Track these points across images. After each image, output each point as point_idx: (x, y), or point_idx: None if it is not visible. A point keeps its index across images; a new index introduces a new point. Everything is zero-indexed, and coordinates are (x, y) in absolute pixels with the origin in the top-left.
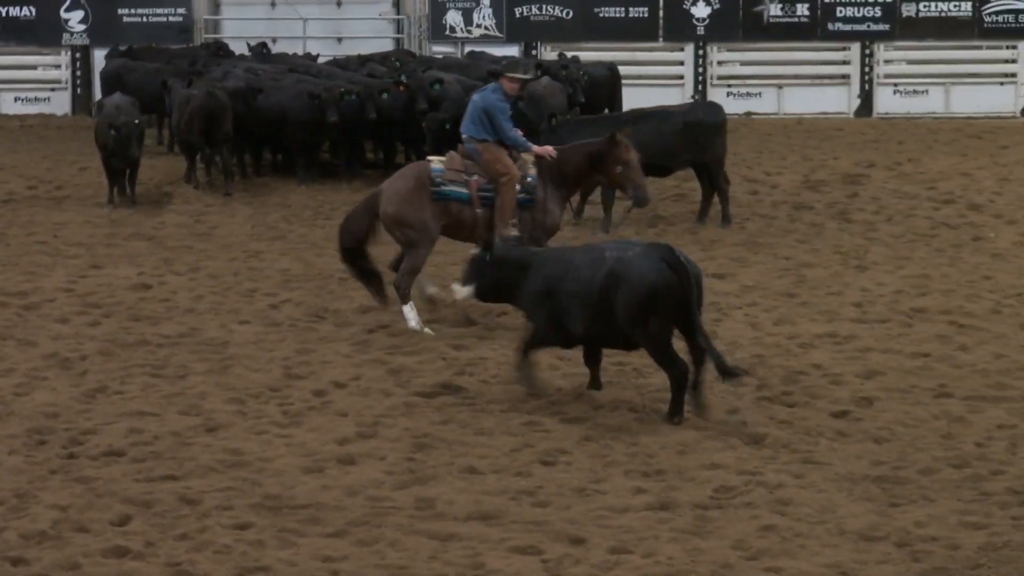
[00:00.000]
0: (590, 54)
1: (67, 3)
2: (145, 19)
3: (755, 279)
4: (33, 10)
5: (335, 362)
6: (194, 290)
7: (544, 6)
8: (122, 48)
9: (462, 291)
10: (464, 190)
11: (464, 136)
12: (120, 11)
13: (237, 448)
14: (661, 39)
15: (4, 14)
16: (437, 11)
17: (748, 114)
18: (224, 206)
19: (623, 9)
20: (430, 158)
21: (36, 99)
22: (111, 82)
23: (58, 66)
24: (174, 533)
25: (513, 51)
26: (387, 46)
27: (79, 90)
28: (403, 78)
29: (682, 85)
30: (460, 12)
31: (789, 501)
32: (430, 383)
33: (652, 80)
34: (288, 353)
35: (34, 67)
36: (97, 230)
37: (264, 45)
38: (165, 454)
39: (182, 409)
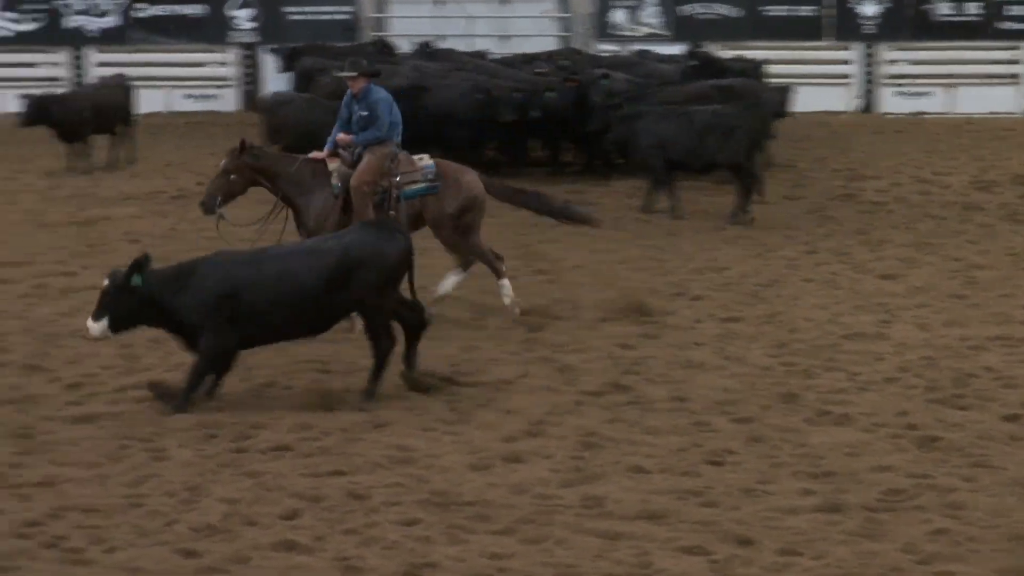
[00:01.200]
0: (756, 53)
1: (235, 1)
2: (312, 17)
3: (925, 280)
4: (202, 8)
5: (502, 360)
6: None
7: (711, 4)
8: (290, 46)
9: (95, 328)
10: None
11: None
12: (287, 9)
13: (405, 444)
14: (830, 38)
15: (173, 12)
16: (603, 9)
17: (918, 114)
18: None
19: (790, 7)
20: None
21: (204, 96)
22: (303, 79)
23: (225, 63)
24: (342, 528)
25: (679, 50)
26: (553, 45)
27: (247, 87)
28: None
29: (848, 85)
30: (626, 10)
31: (961, 505)
32: (597, 382)
33: (818, 80)
34: (454, 351)
35: (202, 64)
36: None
37: (428, 44)
38: (333, 449)
39: (350, 406)
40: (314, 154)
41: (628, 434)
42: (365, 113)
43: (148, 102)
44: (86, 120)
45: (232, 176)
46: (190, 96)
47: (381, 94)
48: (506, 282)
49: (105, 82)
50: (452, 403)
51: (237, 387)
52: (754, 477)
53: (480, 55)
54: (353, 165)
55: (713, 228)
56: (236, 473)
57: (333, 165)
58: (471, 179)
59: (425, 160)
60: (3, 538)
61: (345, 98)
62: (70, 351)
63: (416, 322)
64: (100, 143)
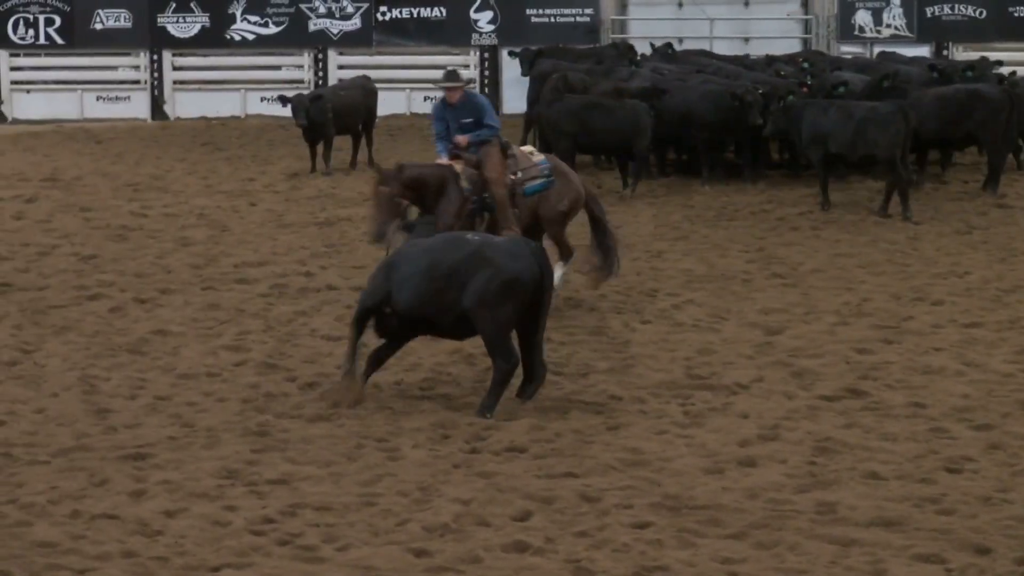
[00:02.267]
0: (1004, 55)
1: (477, 4)
2: (553, 19)
3: None
4: (444, 11)
5: (737, 363)
6: (597, 289)
7: (957, 5)
8: (532, 48)
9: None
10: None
11: None
12: (528, 11)
13: (637, 447)
14: None
15: (416, 15)
16: (846, 11)
17: None
18: (628, 206)
19: None
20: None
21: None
22: (540, 82)
23: (467, 66)
24: (574, 530)
25: (924, 51)
26: (795, 46)
27: (487, 90)
28: (808, 79)
29: None
30: (870, 12)
31: None
32: (833, 386)
33: None
34: (690, 353)
35: (444, 67)
36: None
37: (669, 45)
38: (566, 451)
39: (583, 407)
40: (441, 160)
41: (864, 440)
42: (470, 120)
43: (390, 104)
44: (330, 121)
45: (395, 198)
46: (430, 98)
47: (481, 98)
48: (561, 266)
49: (348, 83)
50: (686, 406)
51: (469, 388)
52: (993, 485)
53: (735, 58)
54: (476, 165)
55: (955, 232)
56: (469, 474)
57: (459, 167)
58: (577, 176)
59: (538, 155)
60: (238, 534)
61: (437, 110)
62: (308, 350)
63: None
64: (341, 144)
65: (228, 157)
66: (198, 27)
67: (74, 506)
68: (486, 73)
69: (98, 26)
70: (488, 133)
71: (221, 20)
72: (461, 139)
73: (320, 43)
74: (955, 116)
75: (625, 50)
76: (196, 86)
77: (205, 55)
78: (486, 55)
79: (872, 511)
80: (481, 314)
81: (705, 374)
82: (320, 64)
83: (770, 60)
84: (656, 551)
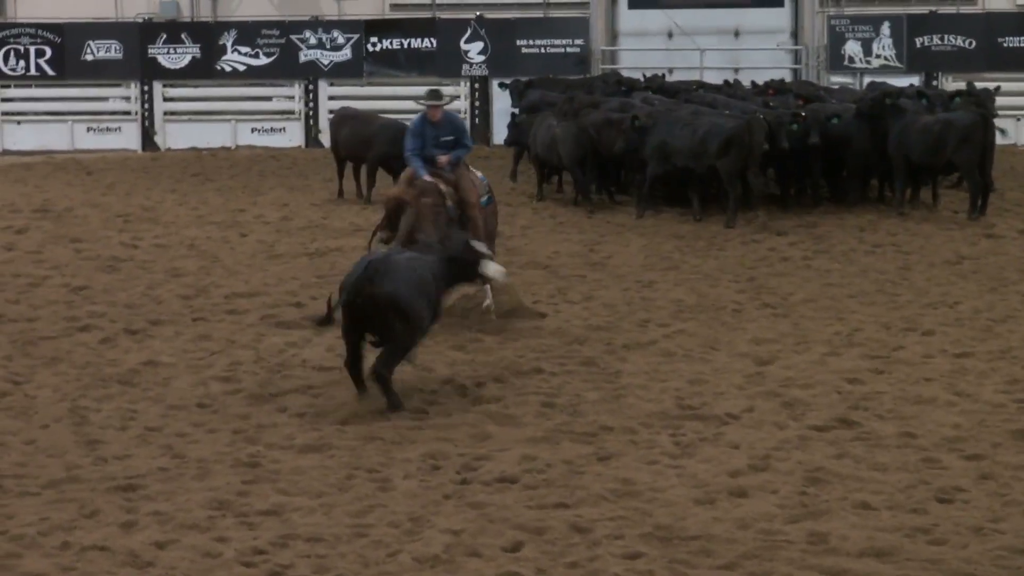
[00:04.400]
0: (992, 85)
1: (467, 35)
2: (543, 50)
3: None
4: (434, 42)
5: (728, 393)
6: (588, 319)
7: (946, 36)
8: (523, 80)
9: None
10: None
11: None
12: (519, 42)
13: (629, 478)
14: None
15: (406, 46)
16: (836, 41)
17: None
18: (618, 235)
19: None
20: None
21: None
22: (530, 112)
23: (458, 96)
24: (565, 561)
25: (913, 81)
26: (785, 76)
27: (476, 120)
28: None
29: None
30: (859, 42)
31: None
32: (824, 416)
33: None
34: (681, 384)
35: None
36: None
37: (660, 77)
38: (557, 482)
39: (574, 438)
40: (425, 177)
41: (855, 470)
42: (451, 137)
43: None
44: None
45: (438, 207)
46: None
47: (457, 117)
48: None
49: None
50: (677, 437)
51: (460, 419)
52: (984, 515)
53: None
54: (453, 186)
55: (945, 262)
56: (460, 504)
57: (444, 187)
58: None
59: (477, 173)
60: (229, 566)
61: (415, 126)
62: (299, 381)
63: None
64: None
65: (219, 188)
66: (189, 58)
67: (64, 537)
68: (476, 104)
69: (89, 57)
70: (464, 153)
71: (212, 51)
72: (443, 159)
73: (311, 74)
74: (934, 145)
75: (617, 80)
76: (187, 117)
77: (196, 86)
78: (476, 86)
79: (863, 541)
80: None
81: (696, 404)
82: (311, 95)
83: (761, 90)
84: None
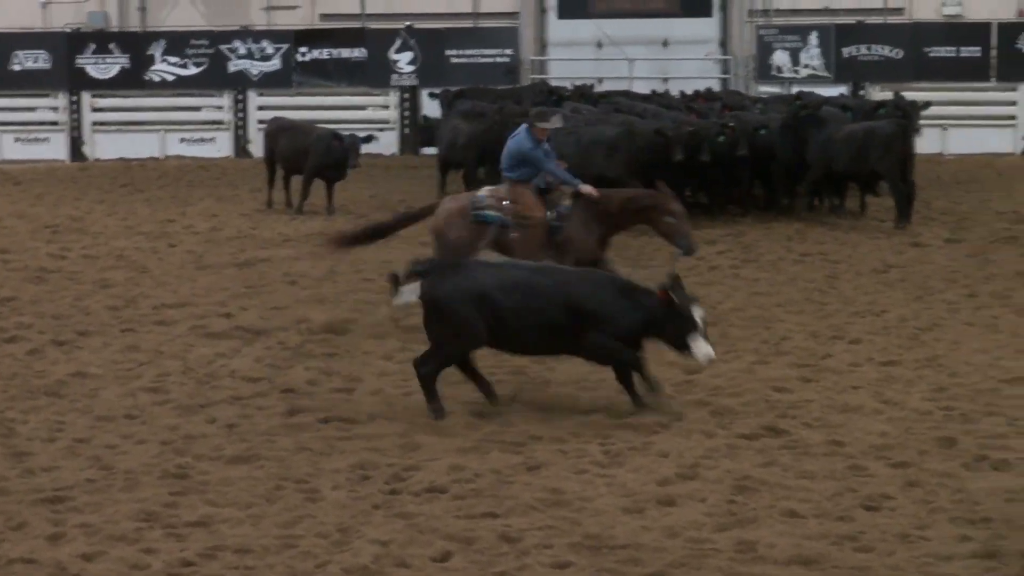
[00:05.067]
0: (920, 95)
1: (397, 45)
2: (472, 60)
3: None
4: (364, 52)
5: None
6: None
7: (873, 46)
8: (452, 90)
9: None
10: (497, 214)
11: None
12: (448, 52)
13: (558, 487)
14: (993, 79)
15: (336, 56)
16: (764, 51)
17: None
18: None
19: (954, 49)
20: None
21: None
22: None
23: (387, 107)
24: (494, 571)
25: (841, 91)
26: (713, 86)
27: (406, 130)
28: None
29: (1014, 126)
30: (787, 52)
31: None
32: (752, 425)
33: (982, 121)
34: (610, 393)
35: (363, 108)
36: None
37: (588, 87)
38: (486, 491)
39: (504, 447)
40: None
41: (782, 478)
42: (547, 147)
43: None
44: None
45: None
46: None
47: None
48: None
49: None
50: (606, 446)
51: (389, 429)
52: (911, 522)
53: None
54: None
55: (872, 271)
56: (389, 515)
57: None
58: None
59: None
60: None
61: (532, 144)
62: (227, 392)
63: None
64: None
65: (147, 198)
66: (117, 68)
67: None
68: (406, 114)
69: (16, 67)
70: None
71: (140, 61)
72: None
73: (240, 84)
74: (857, 154)
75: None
76: (115, 127)
77: (124, 96)
78: (406, 96)
79: (791, 549)
80: None
81: (625, 413)
82: (240, 105)
83: (688, 99)
84: None
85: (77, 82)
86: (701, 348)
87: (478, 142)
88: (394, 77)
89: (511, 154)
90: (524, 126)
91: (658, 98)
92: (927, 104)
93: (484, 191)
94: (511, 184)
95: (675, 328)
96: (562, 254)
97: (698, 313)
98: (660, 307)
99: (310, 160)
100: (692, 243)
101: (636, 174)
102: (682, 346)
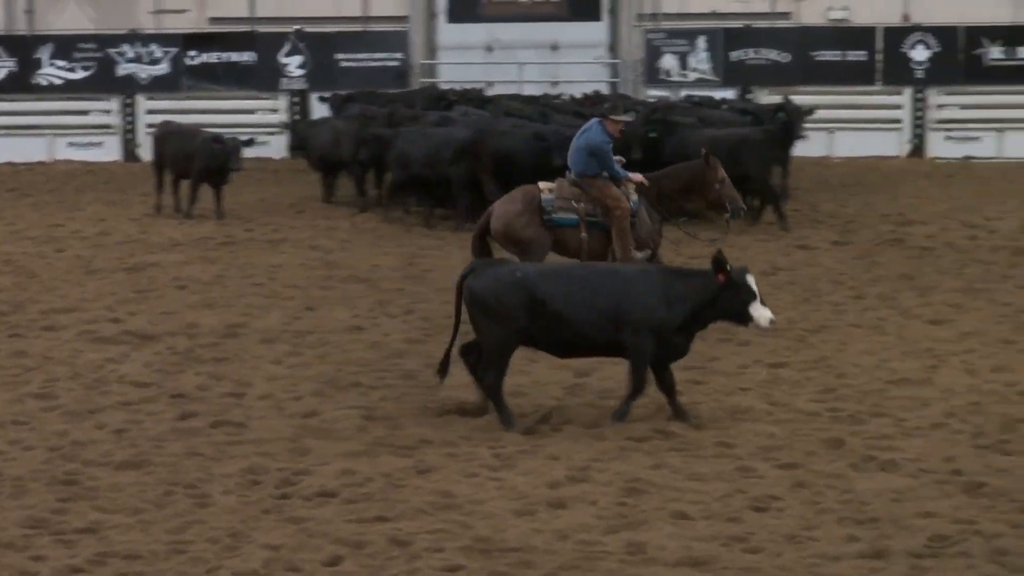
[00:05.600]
0: (806, 98)
1: (287, 48)
2: (362, 64)
3: (973, 325)
4: (253, 55)
5: (547, 405)
6: (407, 332)
7: (761, 50)
8: (342, 93)
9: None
10: (573, 215)
11: (573, 171)
12: (338, 56)
13: (448, 490)
14: (879, 83)
15: (225, 59)
16: (652, 55)
17: (967, 158)
18: (438, 249)
19: (841, 53)
20: (540, 184)
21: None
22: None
23: (276, 111)
24: (385, 574)
25: (729, 95)
26: (602, 89)
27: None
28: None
29: (900, 129)
30: (676, 56)
31: (1006, 551)
32: (642, 427)
33: (869, 124)
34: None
35: (253, 111)
36: (312, 272)
37: (478, 90)
38: (377, 495)
39: (394, 451)
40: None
41: (672, 480)
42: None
43: None
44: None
45: None
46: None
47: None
48: None
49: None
50: (496, 449)
51: (279, 434)
52: (799, 523)
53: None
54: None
55: (760, 273)
56: (279, 519)
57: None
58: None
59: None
60: None
61: (606, 138)
62: (116, 397)
63: None
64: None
65: (35, 203)
66: (4, 72)
67: None
68: (296, 117)
69: None
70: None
71: (28, 65)
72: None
73: (129, 88)
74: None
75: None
76: (3, 131)
77: (11, 100)
78: (296, 99)
79: (681, 551)
80: None
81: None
82: (128, 109)
83: (579, 103)
84: None
85: None
86: (763, 314)
87: (354, 142)
88: (284, 81)
89: (583, 148)
90: (595, 120)
91: (544, 101)
92: (812, 109)
93: (547, 192)
94: (587, 180)
95: (735, 302)
96: (641, 245)
97: (752, 280)
98: (719, 287)
99: (195, 164)
100: (740, 204)
101: (491, 175)
102: (744, 318)
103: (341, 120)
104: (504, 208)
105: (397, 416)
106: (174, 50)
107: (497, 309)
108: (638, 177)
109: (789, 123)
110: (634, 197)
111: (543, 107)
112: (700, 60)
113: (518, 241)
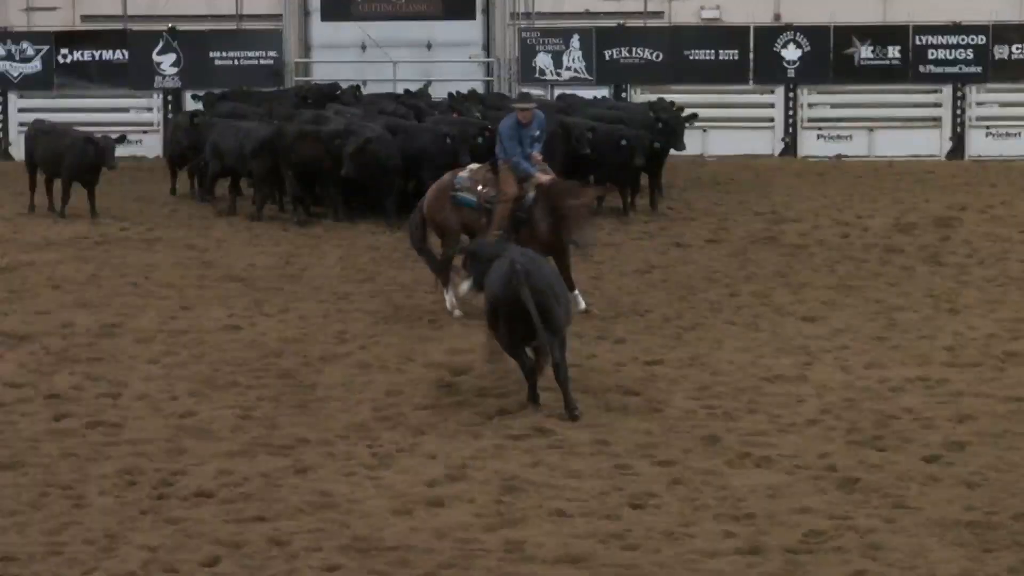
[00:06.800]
0: (679, 97)
1: (159, 47)
2: (236, 62)
3: (846, 322)
4: (126, 54)
5: (424, 404)
6: (284, 332)
7: (634, 49)
8: (216, 92)
9: (464, 285)
10: (472, 197)
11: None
12: (212, 54)
13: (326, 490)
14: (751, 82)
15: (97, 58)
16: (527, 54)
17: (838, 157)
18: (314, 248)
19: (713, 52)
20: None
21: (128, 142)
22: None
23: (150, 109)
24: (263, 574)
25: (603, 93)
26: (477, 88)
27: (168, 132)
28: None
29: (772, 128)
30: (550, 55)
31: (880, 546)
32: (519, 425)
33: (742, 123)
34: (377, 395)
35: (126, 110)
36: (188, 271)
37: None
38: (254, 495)
39: (271, 451)
40: (539, 178)
41: (550, 478)
42: (537, 132)
43: None
44: None
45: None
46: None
47: (541, 113)
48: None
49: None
50: (374, 448)
51: (156, 434)
52: (675, 520)
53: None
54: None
55: (636, 271)
56: (156, 520)
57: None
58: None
59: None
60: None
61: (511, 130)
62: None
63: None
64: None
65: None
66: None
67: None
68: (169, 116)
69: None
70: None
71: None
72: (537, 155)
73: (0, 86)
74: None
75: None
76: None
77: None
78: (169, 98)
79: (559, 548)
80: None
81: (392, 415)
82: (0, 107)
83: (455, 101)
84: None
85: None
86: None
87: (199, 140)
88: (157, 79)
89: (497, 134)
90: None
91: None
92: (693, 117)
93: (465, 172)
94: (492, 165)
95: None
96: (521, 240)
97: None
98: None
99: (66, 163)
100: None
101: (292, 170)
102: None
103: (179, 114)
104: (431, 189)
105: (274, 416)
106: (45, 48)
107: (560, 292)
108: (541, 178)
109: (669, 130)
110: (531, 193)
111: (414, 105)
112: (574, 59)
113: (435, 225)
